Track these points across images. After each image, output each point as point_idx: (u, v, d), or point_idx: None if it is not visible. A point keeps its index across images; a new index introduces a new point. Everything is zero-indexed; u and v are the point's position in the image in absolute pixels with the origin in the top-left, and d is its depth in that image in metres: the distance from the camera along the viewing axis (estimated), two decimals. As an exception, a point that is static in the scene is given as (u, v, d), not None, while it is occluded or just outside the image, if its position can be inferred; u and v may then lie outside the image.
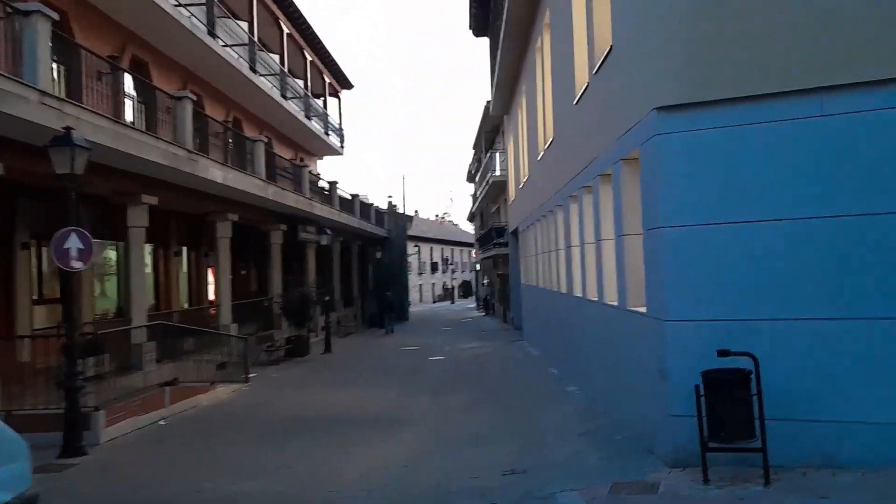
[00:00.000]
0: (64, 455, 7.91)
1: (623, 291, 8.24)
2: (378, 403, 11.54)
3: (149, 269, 19.28)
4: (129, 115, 14.69)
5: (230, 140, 19.75)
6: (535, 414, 9.72)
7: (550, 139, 13.59)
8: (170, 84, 16.93)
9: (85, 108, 9.41)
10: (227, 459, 7.88)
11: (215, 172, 14.21)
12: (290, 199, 19.95)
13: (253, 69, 21.32)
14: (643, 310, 7.54)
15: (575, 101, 10.64)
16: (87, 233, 8.14)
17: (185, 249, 21.14)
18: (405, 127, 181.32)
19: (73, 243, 7.95)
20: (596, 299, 9.88)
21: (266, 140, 18.47)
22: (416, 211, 66.26)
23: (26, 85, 8.09)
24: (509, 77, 21.15)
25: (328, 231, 21.93)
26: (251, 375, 15.97)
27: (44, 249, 14.35)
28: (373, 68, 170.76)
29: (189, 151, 12.85)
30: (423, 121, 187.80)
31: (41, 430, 8.02)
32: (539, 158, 15.76)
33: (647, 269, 7.31)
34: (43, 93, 8.29)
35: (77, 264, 8.05)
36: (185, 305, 20.44)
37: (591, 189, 10.06)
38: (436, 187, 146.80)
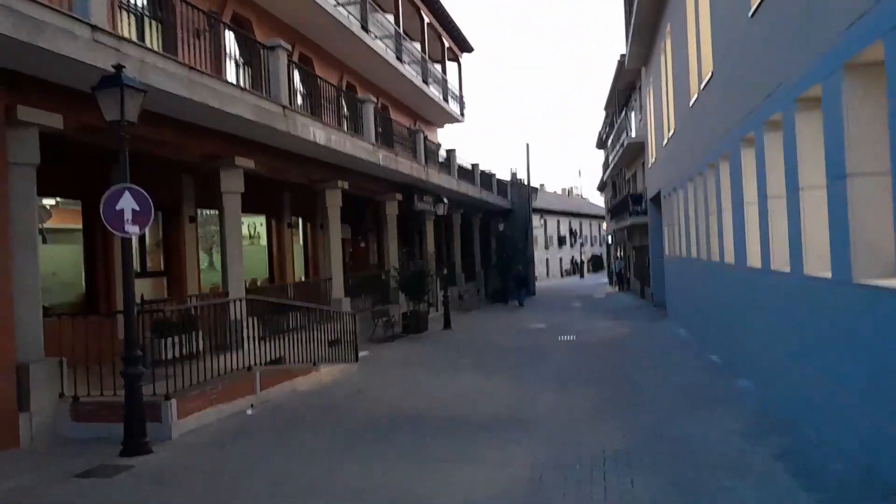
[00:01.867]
0: (125, 453, 6.73)
1: (842, 258, 5.70)
2: (493, 397, 9.64)
3: (263, 242, 18.73)
4: (230, 76, 13.67)
5: (344, 106, 18.50)
6: (696, 421, 7.36)
7: (710, 73, 10.85)
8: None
9: (149, 50, 8.13)
10: (301, 470, 6.31)
11: (317, 133, 12.82)
12: (404, 166, 18.40)
13: (365, 28, 19.93)
14: (882, 283, 5.04)
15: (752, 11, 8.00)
16: (143, 192, 6.82)
17: (300, 221, 20.42)
18: (530, 93, 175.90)
19: (127, 204, 6.66)
20: (787, 270, 7.30)
21: (375, 101, 16.96)
22: (541, 184, 63.47)
23: (75, 19, 6.85)
24: (648, 19, 18.22)
25: (445, 200, 20.23)
26: (363, 354, 14.67)
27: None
28: (494, 29, 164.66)
29: (284, 108, 11.48)
30: (550, 86, 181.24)
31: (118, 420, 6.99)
32: (692, 104, 12.98)
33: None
34: (95, 28, 7.02)
35: (132, 229, 6.77)
36: (302, 278, 19.72)
37: (777, 124, 7.44)
38: (563, 160, 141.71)
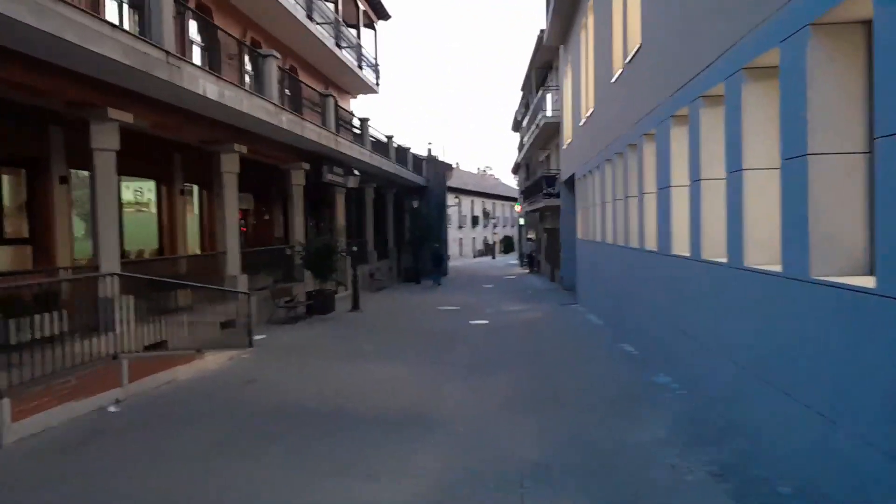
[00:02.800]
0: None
1: (797, 251, 5.14)
2: (398, 388, 8.77)
3: (152, 210, 16.93)
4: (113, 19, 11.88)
5: (248, 64, 16.89)
6: (620, 425, 6.76)
7: (637, 46, 10.28)
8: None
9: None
10: (159, 481, 5.20)
11: (208, 87, 11.34)
12: (311, 132, 17.04)
13: (272, -20, 18.31)
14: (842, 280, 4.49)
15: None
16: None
17: (195, 188, 18.68)
18: (449, 68, 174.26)
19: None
20: (723, 260, 6.79)
21: (279, 57, 15.49)
22: (457, 163, 62.94)
23: None
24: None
25: (356, 172, 19.05)
26: (259, 338, 13.42)
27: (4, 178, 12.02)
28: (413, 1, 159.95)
29: (168, 53, 9.97)
30: (470, 62, 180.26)
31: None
32: (614, 80, 12.45)
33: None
34: None
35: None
36: (197, 251, 18.08)
37: (717, 98, 6.87)
38: (479, 140, 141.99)
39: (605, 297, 14.57)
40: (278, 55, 15.58)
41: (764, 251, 5.92)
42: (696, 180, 7.39)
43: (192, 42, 15.97)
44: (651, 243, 9.89)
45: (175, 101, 11.57)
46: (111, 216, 10.38)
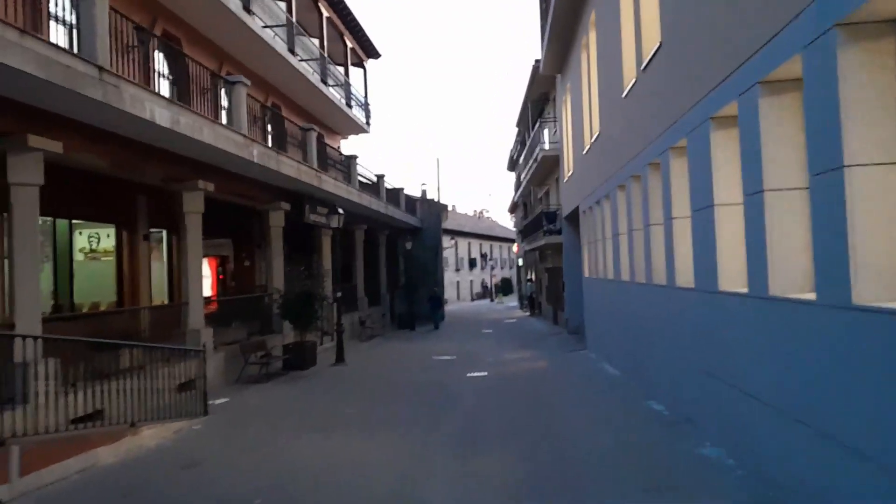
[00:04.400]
0: None
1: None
2: (375, 473, 6.89)
3: (110, 257, 15.22)
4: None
5: (224, 97, 15.38)
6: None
7: (657, 45, 8.72)
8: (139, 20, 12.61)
9: None
10: None
11: (157, 111, 9.75)
12: (289, 167, 15.46)
13: (248, 9, 17.00)
14: None
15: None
16: None
17: (164, 234, 17.03)
18: (441, 109, 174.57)
19: None
20: (807, 296, 5.06)
21: (247, 83, 13.99)
22: (452, 205, 61.69)
23: None
24: (565, 19, 16.39)
25: (341, 211, 17.40)
26: (220, 402, 11.54)
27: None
28: (404, 37, 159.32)
29: (101, 69, 8.40)
30: (463, 103, 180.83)
31: None
32: (626, 94, 10.91)
33: None
34: None
35: None
36: (166, 301, 16.33)
37: (780, 84, 5.25)
38: (473, 182, 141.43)
39: (621, 344, 12.73)
40: (247, 82, 14.08)
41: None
42: (754, 193, 5.69)
43: (159, 74, 14.48)
44: (684, 279, 8.14)
45: (120, 130, 9.99)
46: (30, 265, 8.64)
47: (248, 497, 6.24)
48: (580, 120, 17.14)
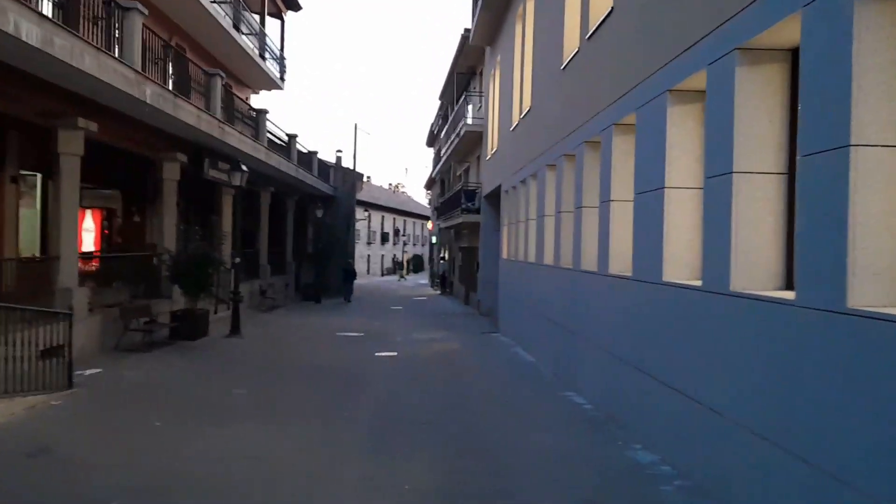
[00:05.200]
0: None
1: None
2: (271, 473, 5.88)
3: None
4: None
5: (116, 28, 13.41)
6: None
7: (608, 10, 7.99)
8: None
9: None
10: None
11: (23, 25, 8.08)
12: (187, 114, 13.81)
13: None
14: None
15: None
16: None
17: (39, 178, 14.92)
18: (362, 74, 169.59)
19: None
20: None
21: (144, 11, 12.24)
22: (368, 177, 60.08)
23: None
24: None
25: (244, 168, 15.90)
26: (90, 373, 10.07)
27: None
28: None
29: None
30: (383, 71, 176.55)
31: None
32: (565, 66, 10.21)
33: None
34: None
35: None
36: (36, 255, 14.32)
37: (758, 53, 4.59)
38: (390, 155, 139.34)
39: (539, 330, 12.21)
40: (144, 10, 12.33)
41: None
42: (718, 175, 5.05)
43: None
44: (619, 266, 7.55)
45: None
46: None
47: (106, 497, 5.09)
48: (509, 95, 16.42)
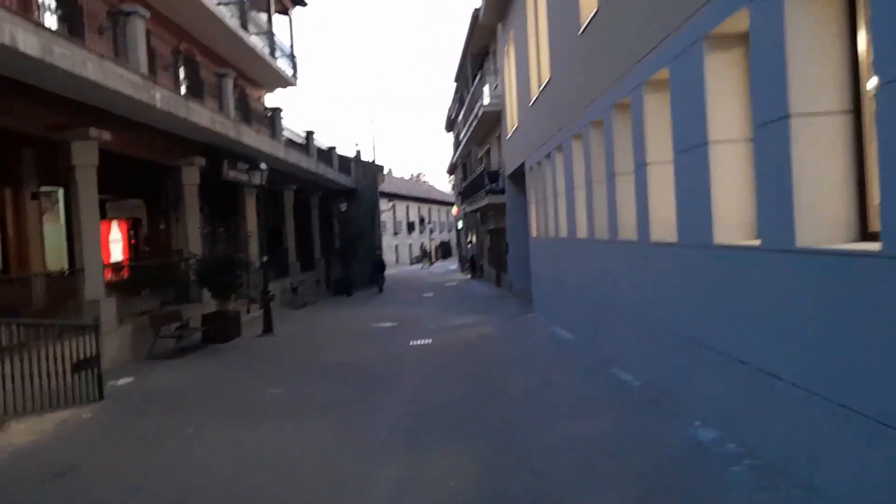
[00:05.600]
0: None
1: None
2: (299, 476, 5.61)
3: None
4: None
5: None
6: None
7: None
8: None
9: None
10: None
11: (19, 35, 7.86)
12: (201, 116, 13.61)
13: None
14: None
15: None
16: None
17: (61, 192, 14.90)
18: (377, 67, 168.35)
19: None
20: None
21: (145, 15, 11.99)
22: (389, 168, 59.83)
23: None
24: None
25: (263, 166, 15.65)
26: (122, 382, 9.94)
27: None
28: None
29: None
30: (397, 57, 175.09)
31: None
32: (583, 29, 9.67)
33: None
34: None
35: None
36: (66, 269, 14.31)
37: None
38: (410, 145, 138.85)
39: (575, 306, 11.76)
40: (146, 13, 12.09)
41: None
42: (771, 122, 4.55)
43: (42, 6, 12.24)
44: (661, 233, 7.07)
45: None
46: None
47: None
48: (525, 69, 15.86)
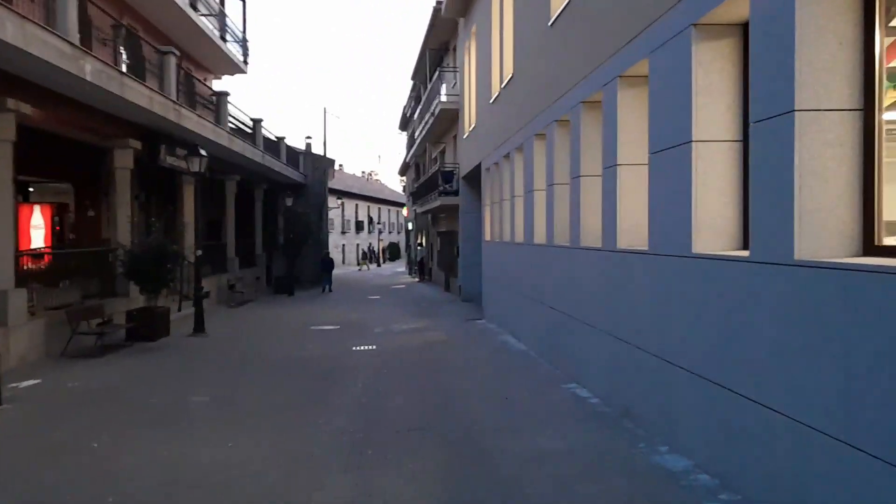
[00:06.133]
0: None
1: None
2: (232, 491, 4.86)
3: None
4: None
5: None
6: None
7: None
8: None
9: None
10: None
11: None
12: (137, 95, 12.52)
13: None
14: None
15: None
16: None
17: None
18: (328, 58, 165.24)
19: None
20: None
21: (78, -25, 10.92)
22: (340, 165, 58.55)
23: None
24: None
25: (203, 152, 14.61)
26: (29, 384, 8.86)
27: None
28: None
29: None
30: (352, 56, 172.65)
31: None
32: (553, 22, 9.18)
33: None
34: None
35: None
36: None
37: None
38: (362, 143, 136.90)
39: (529, 315, 11.26)
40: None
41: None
42: (768, 118, 4.07)
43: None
44: (631, 239, 6.58)
45: None
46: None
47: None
48: (487, 65, 15.35)
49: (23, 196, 16.68)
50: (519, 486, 4.96)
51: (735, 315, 4.54)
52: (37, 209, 16.96)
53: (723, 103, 5.09)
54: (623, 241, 6.71)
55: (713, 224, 5.08)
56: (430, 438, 6.28)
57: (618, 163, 6.70)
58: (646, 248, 6.10)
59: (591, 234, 7.74)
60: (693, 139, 5.10)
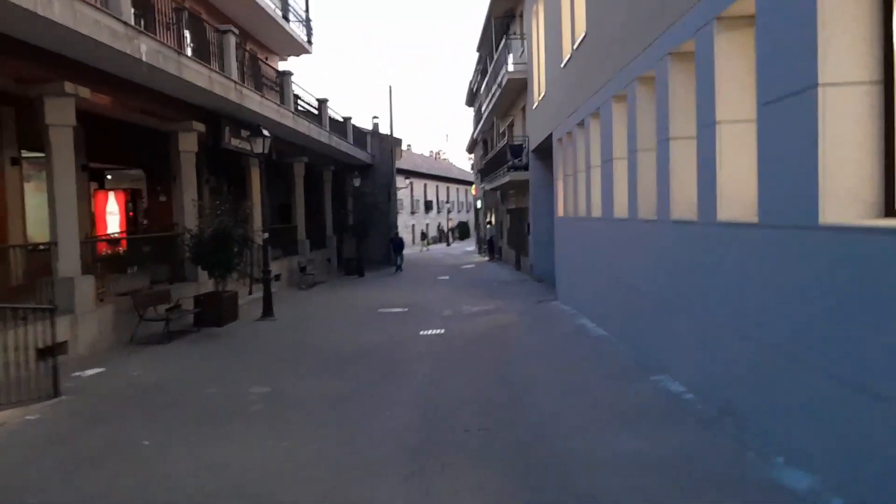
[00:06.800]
0: None
1: None
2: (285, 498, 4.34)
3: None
4: None
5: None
6: None
7: None
8: None
9: None
10: None
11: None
12: (196, 75, 12.25)
13: None
14: None
15: None
16: None
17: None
18: (394, 38, 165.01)
19: None
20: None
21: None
22: (408, 145, 58.24)
23: None
24: None
25: (266, 133, 14.29)
26: (91, 373, 8.73)
27: None
28: None
29: None
30: (417, 34, 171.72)
31: None
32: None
33: None
34: None
35: None
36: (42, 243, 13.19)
37: None
38: (429, 123, 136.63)
39: (609, 296, 10.34)
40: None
41: None
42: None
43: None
44: (732, 211, 5.61)
45: None
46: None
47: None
48: (556, 28, 14.29)
49: (98, 183, 16.95)
50: (597, 491, 4.20)
51: (878, 299, 3.59)
52: (111, 196, 17.21)
53: (857, 34, 4.06)
54: (724, 213, 5.74)
55: (846, 187, 4.09)
56: (498, 440, 5.58)
57: (717, 120, 5.71)
58: (754, 219, 5.14)
59: (683, 204, 6.78)
60: (819, 83, 4.10)
